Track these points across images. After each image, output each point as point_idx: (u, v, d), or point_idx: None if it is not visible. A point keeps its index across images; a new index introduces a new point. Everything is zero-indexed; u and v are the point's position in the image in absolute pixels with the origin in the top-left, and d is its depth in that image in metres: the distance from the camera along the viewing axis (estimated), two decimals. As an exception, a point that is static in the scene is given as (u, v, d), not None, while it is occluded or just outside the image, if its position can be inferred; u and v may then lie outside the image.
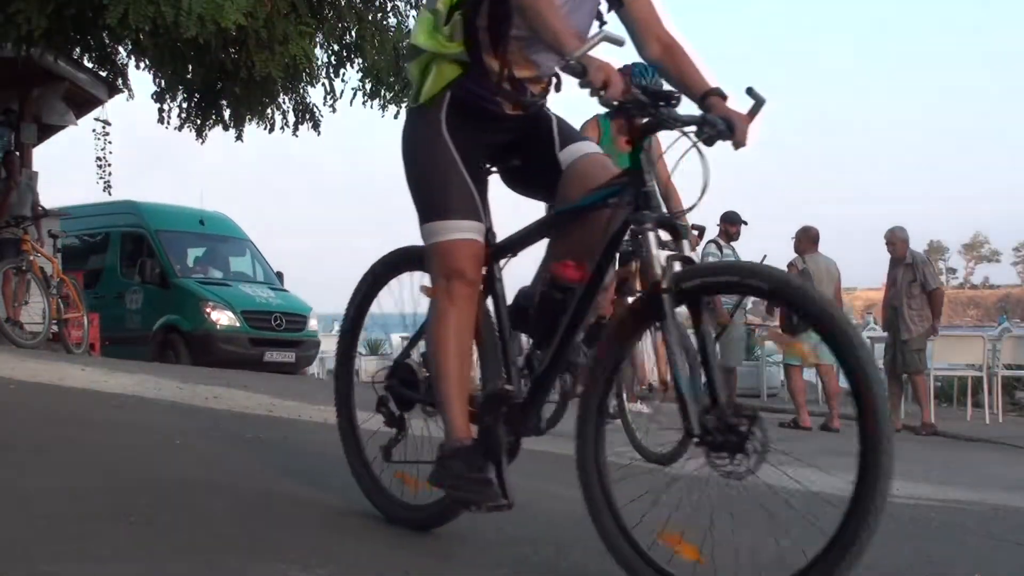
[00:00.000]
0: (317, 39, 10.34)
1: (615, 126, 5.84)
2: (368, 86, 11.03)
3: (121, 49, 10.91)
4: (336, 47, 11.05)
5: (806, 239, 9.94)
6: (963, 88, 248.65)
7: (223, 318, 13.76)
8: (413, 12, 11.08)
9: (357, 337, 3.58)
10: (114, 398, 5.69)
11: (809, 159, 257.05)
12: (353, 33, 10.74)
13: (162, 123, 11.43)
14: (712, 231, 10.47)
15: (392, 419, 3.29)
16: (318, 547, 2.84)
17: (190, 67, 10.22)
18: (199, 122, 11.31)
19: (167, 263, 14.47)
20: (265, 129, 11.33)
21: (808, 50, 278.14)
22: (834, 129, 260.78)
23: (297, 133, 11.55)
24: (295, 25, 9.23)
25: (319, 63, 10.74)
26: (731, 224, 10.50)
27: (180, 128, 11.37)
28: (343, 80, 11.24)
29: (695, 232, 5.50)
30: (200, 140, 11.45)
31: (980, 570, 3.58)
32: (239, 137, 11.38)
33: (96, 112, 12.83)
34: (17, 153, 12.04)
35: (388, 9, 11.04)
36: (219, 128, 11.33)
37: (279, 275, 15.83)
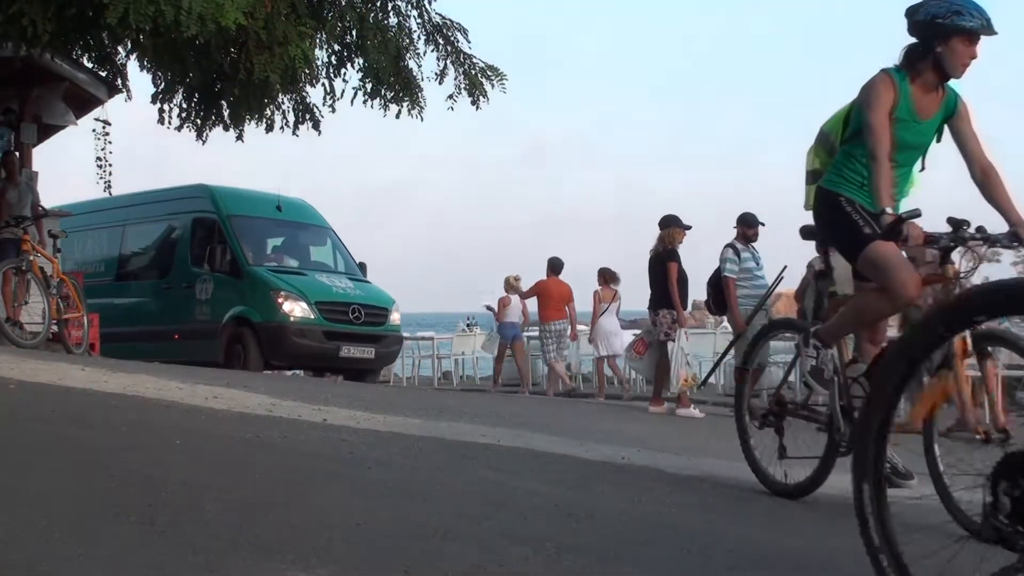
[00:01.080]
0: (318, 39, 10.32)
1: (918, 86, 4.43)
2: (368, 86, 11.02)
3: (121, 49, 10.90)
4: (336, 47, 11.04)
5: None
6: (963, 85, 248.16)
7: (296, 309, 12.75)
8: (414, 12, 11.08)
9: (895, 407, 2.69)
10: (114, 398, 5.69)
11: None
12: (354, 33, 10.73)
13: (162, 123, 11.42)
14: (729, 234, 10.44)
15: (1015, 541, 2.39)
16: (318, 547, 2.84)
17: (190, 68, 10.21)
18: (199, 122, 11.30)
19: (239, 250, 13.42)
20: (265, 129, 11.32)
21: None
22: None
23: (297, 133, 11.55)
24: (295, 26, 9.23)
25: (319, 63, 10.73)
26: (748, 226, 10.43)
27: (180, 128, 11.36)
28: (343, 80, 11.23)
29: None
30: (200, 140, 11.44)
31: (980, 569, 3.58)
32: (239, 137, 11.37)
33: (96, 112, 12.82)
34: (17, 153, 12.04)
35: (388, 9, 11.03)
36: (219, 128, 11.32)
37: (362, 266, 14.67)
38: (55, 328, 9.96)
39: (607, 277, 14.29)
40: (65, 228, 15.15)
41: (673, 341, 9.97)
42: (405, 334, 21.93)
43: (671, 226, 10.27)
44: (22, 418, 4.73)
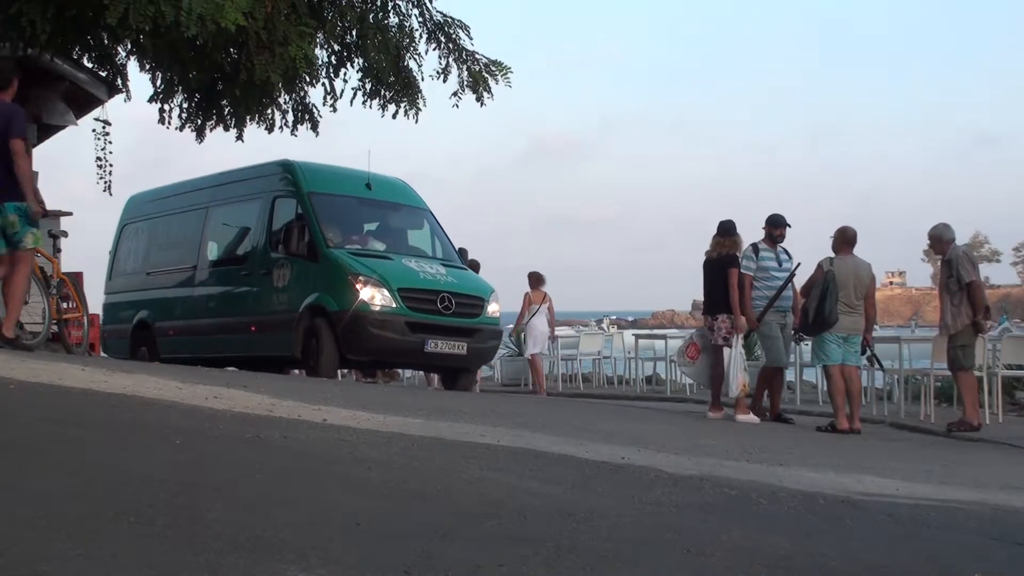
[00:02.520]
0: (318, 39, 10.34)
1: None
2: (368, 86, 11.04)
3: (121, 49, 10.91)
4: (336, 47, 11.05)
5: (842, 240, 9.77)
6: (963, 88, 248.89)
7: (376, 297, 11.18)
8: (415, 12, 11.10)
9: None
10: (114, 398, 5.69)
11: (816, 164, 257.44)
12: (353, 33, 10.74)
13: (163, 123, 11.44)
14: (758, 234, 10.44)
15: None
16: (318, 547, 2.84)
17: (190, 68, 10.22)
18: (199, 122, 11.31)
19: (317, 231, 11.76)
20: (265, 129, 11.34)
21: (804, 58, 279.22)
22: (840, 132, 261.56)
23: (295, 133, 11.57)
24: (295, 26, 9.23)
25: (319, 63, 10.74)
26: (775, 227, 10.50)
27: (181, 128, 11.38)
28: (343, 80, 11.25)
29: None
30: (200, 140, 11.46)
31: (980, 570, 3.58)
32: (239, 137, 11.39)
33: (96, 112, 12.82)
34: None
35: (388, 9, 11.05)
36: (220, 128, 11.33)
37: (462, 252, 13.12)
38: (55, 328, 9.95)
39: (536, 280, 14.84)
40: (150, 213, 14.59)
41: (731, 347, 9.87)
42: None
43: (732, 233, 10.12)
44: (22, 418, 4.73)
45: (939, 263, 10.76)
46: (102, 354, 15.10)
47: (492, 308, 11.98)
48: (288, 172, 12.57)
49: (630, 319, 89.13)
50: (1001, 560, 3.92)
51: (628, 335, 18.23)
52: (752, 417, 9.83)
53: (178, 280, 13.74)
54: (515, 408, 8.52)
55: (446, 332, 11.41)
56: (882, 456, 7.65)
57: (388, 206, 13.03)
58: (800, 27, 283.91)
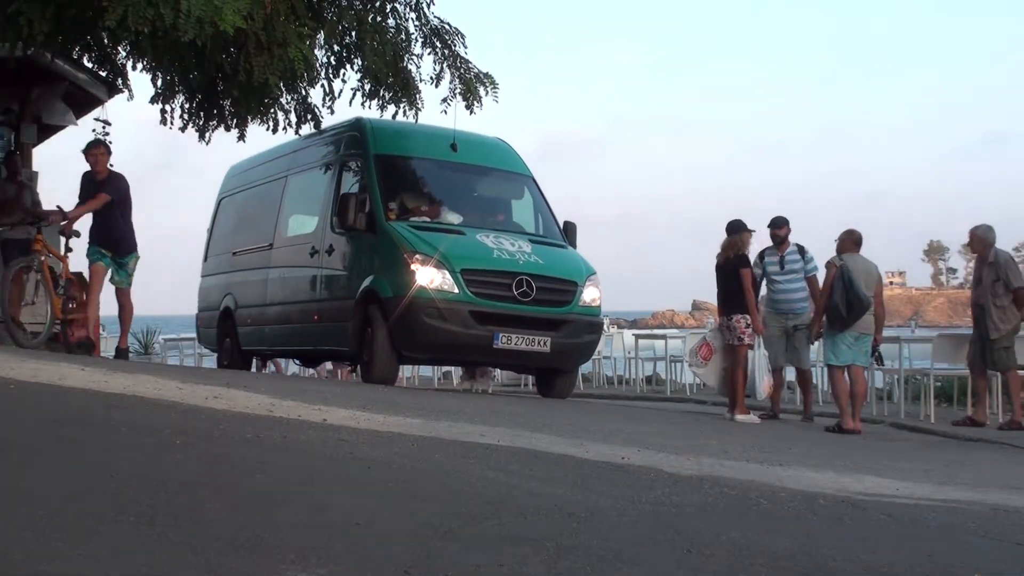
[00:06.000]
0: (318, 39, 10.34)
1: None
2: (367, 87, 11.03)
3: (121, 50, 10.91)
4: (336, 47, 11.05)
5: (849, 240, 9.80)
6: (964, 89, 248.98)
7: (435, 279, 9.38)
8: (412, 15, 11.10)
9: None
10: (114, 398, 5.69)
11: (816, 161, 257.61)
12: (352, 35, 10.74)
13: (164, 124, 11.43)
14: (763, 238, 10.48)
15: None
16: (318, 547, 2.84)
17: (190, 69, 10.23)
18: (200, 123, 11.30)
19: (378, 201, 10.07)
20: (268, 129, 11.32)
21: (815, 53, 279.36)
22: (841, 131, 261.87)
23: (299, 133, 11.55)
24: (294, 27, 9.23)
25: (319, 64, 10.74)
26: (772, 228, 10.58)
27: (183, 129, 11.36)
28: (343, 80, 11.24)
29: None
30: (203, 141, 11.44)
31: (980, 570, 3.59)
32: (241, 137, 11.37)
33: (96, 112, 12.82)
34: (18, 153, 12.05)
35: (387, 10, 11.05)
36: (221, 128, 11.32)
37: (568, 228, 10.95)
38: (57, 328, 9.95)
39: None
40: (241, 185, 13.48)
41: (752, 348, 9.84)
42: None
43: (740, 231, 10.06)
44: (22, 418, 4.74)
45: (975, 262, 10.80)
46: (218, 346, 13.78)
47: (589, 295, 9.96)
48: (357, 132, 10.98)
49: (629, 320, 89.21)
50: (1001, 560, 3.92)
51: (628, 335, 18.22)
52: (752, 417, 9.84)
53: (256, 262, 12.22)
54: (515, 408, 8.53)
55: (523, 324, 9.54)
56: (882, 456, 7.65)
57: (476, 171, 11.24)
58: (807, 26, 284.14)
